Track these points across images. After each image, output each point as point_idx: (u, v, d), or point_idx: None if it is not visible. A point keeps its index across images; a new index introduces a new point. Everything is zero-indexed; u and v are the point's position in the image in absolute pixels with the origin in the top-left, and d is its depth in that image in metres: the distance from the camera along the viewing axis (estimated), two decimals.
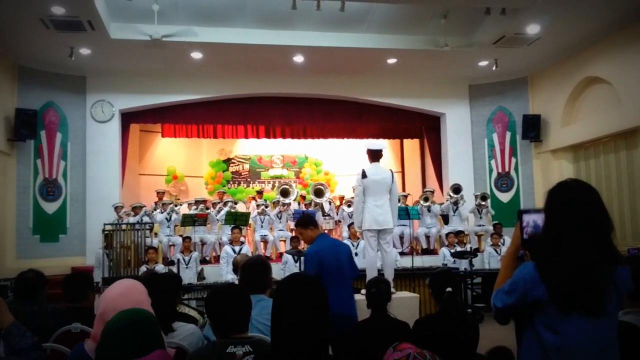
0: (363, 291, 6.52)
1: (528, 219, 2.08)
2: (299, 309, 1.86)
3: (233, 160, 16.00)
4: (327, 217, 11.87)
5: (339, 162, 15.94)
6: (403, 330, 3.48)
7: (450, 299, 3.41)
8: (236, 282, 4.14)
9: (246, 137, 13.62)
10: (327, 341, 1.90)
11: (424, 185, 13.81)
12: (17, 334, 2.47)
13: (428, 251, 11.08)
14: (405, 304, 6.44)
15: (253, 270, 3.21)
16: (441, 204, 11.55)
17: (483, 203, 11.12)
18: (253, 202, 12.67)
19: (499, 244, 10.01)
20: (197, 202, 11.32)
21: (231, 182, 15.74)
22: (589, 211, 1.94)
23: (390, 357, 2.25)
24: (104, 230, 9.62)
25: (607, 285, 1.86)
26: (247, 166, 16.10)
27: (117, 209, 10.56)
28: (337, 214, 11.87)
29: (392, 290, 6.79)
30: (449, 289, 3.41)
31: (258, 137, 13.52)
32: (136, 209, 10.69)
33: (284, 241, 11.12)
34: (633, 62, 8.95)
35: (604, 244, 1.92)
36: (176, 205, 11.10)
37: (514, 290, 1.98)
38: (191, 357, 2.28)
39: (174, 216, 10.70)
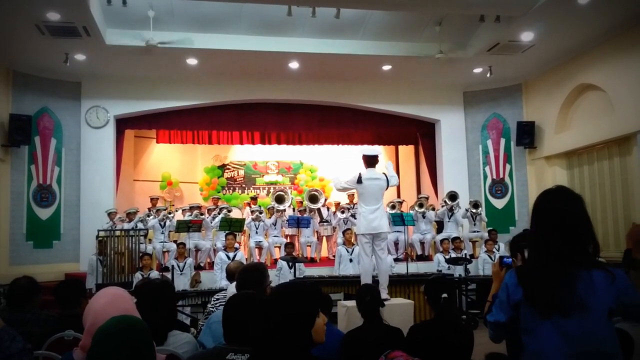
0: None
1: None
2: (277, 315, 1.86)
3: (228, 166, 15.98)
4: (325, 224, 11.87)
5: (334, 169, 15.93)
6: (397, 337, 3.47)
7: (446, 306, 3.41)
8: (230, 288, 4.12)
9: (241, 143, 13.61)
10: (310, 349, 1.91)
11: (418, 191, 13.83)
12: (8, 339, 2.45)
13: (423, 257, 11.09)
14: (399, 311, 6.43)
15: (250, 276, 3.20)
16: (433, 208, 11.57)
17: (475, 211, 11.13)
18: (247, 208, 12.65)
19: (494, 250, 10.03)
20: (192, 208, 11.29)
21: (226, 188, 15.71)
22: (569, 218, 1.97)
23: None
24: (98, 237, 9.59)
25: (574, 288, 1.88)
26: (242, 172, 16.08)
27: (110, 215, 10.53)
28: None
29: (387, 296, 6.79)
30: (444, 295, 3.41)
31: (253, 143, 13.50)
32: (130, 215, 10.66)
33: (279, 247, 11.10)
34: (626, 69, 9.01)
35: (581, 249, 1.95)
36: (169, 213, 11.05)
37: (501, 301, 2.03)
38: (191, 359, 2.29)
39: (167, 222, 10.67)
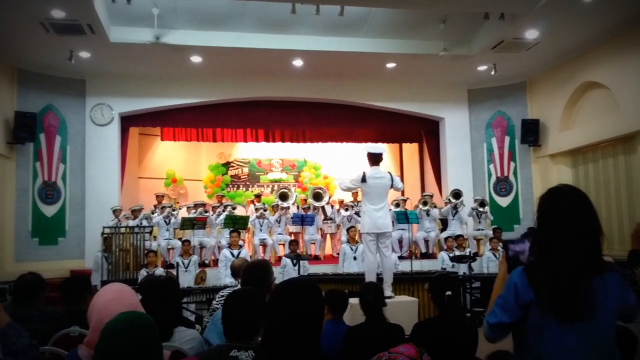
0: None
1: (514, 248, 2.18)
2: (285, 312, 1.87)
3: (232, 164, 15.99)
4: (329, 221, 11.87)
5: (338, 166, 15.94)
6: (398, 334, 3.48)
7: (450, 303, 3.41)
8: (237, 286, 4.13)
9: (245, 140, 13.62)
10: (317, 344, 1.91)
11: (422, 189, 13.82)
12: (14, 335, 2.46)
13: (427, 255, 11.07)
14: (404, 308, 6.43)
15: (254, 274, 3.21)
16: (437, 206, 11.55)
17: (481, 209, 11.11)
18: (252, 205, 12.66)
19: (498, 248, 10.00)
20: (196, 206, 11.31)
21: (230, 186, 15.72)
22: (577, 218, 1.95)
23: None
24: (103, 234, 9.62)
25: (593, 292, 1.87)
26: (246, 170, 16.09)
27: (115, 212, 10.55)
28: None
29: (391, 294, 6.79)
30: (448, 292, 3.41)
31: (257, 140, 13.51)
32: (135, 212, 10.68)
33: (283, 245, 11.11)
34: (631, 67, 8.97)
35: (592, 250, 1.93)
36: (174, 210, 11.08)
37: (507, 302, 1.98)
38: (197, 355, 2.30)
39: (172, 219, 10.69)
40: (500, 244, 10.03)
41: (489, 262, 9.87)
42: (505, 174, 12.23)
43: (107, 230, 9.65)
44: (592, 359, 1.89)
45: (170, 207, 11.06)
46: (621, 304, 1.94)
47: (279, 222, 11.35)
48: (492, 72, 11.12)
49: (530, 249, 2.07)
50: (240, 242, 9.81)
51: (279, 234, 11.33)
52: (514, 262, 2.14)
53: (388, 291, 6.73)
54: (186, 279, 9.07)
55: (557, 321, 1.88)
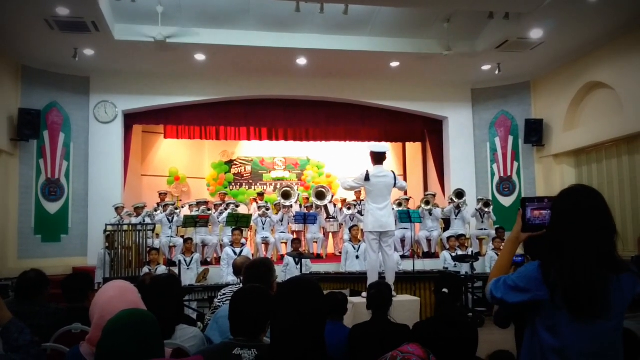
0: (364, 294, 6.53)
1: (531, 207, 2.13)
2: (293, 312, 1.86)
3: (235, 162, 16.00)
4: (331, 220, 11.87)
5: (341, 165, 15.95)
6: (403, 333, 3.48)
7: (446, 301, 3.41)
8: (239, 284, 4.14)
9: (248, 139, 13.62)
10: (324, 343, 1.91)
11: (425, 188, 13.81)
12: (16, 331, 2.47)
13: (429, 255, 11.08)
14: (406, 308, 6.43)
15: (256, 271, 3.21)
16: (439, 206, 11.53)
17: (486, 210, 11.10)
18: (254, 204, 12.68)
19: (501, 248, 9.99)
20: (199, 204, 11.33)
21: (233, 184, 15.74)
22: (593, 217, 1.95)
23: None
24: (105, 231, 9.64)
25: (609, 291, 1.87)
26: (249, 168, 16.11)
27: (117, 209, 10.57)
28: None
29: (394, 293, 6.79)
30: (444, 290, 3.42)
31: (260, 139, 13.52)
32: (138, 210, 10.70)
33: (285, 243, 11.12)
34: (635, 67, 8.94)
35: (608, 250, 1.93)
36: (176, 208, 11.09)
37: (518, 288, 1.98)
38: (201, 352, 2.30)
39: (175, 217, 10.70)
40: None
41: (491, 262, 9.86)
42: (509, 173, 12.21)
43: (109, 228, 9.67)
44: (603, 358, 1.90)
45: (173, 204, 11.07)
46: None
47: (282, 221, 11.36)
48: (497, 72, 11.09)
49: (542, 246, 2.06)
50: (243, 241, 9.82)
51: (282, 232, 11.34)
52: (535, 228, 2.11)
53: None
54: (188, 277, 9.08)
55: (571, 319, 1.88)
